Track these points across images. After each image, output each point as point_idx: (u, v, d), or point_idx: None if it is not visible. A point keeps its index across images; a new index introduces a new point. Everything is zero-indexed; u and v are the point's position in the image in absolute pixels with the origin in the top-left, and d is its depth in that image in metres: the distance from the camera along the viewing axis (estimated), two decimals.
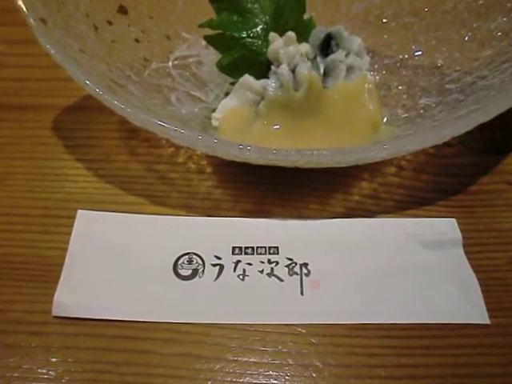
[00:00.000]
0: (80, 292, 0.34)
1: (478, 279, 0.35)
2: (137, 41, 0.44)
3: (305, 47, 0.39)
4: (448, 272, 0.35)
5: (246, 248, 0.36)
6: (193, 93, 0.43)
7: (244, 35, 0.40)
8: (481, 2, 0.43)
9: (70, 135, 0.44)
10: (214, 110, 0.41)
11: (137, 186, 0.40)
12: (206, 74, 0.44)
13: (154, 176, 0.41)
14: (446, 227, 0.37)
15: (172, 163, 0.42)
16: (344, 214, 0.38)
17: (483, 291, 0.34)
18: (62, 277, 0.34)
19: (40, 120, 0.44)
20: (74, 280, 0.34)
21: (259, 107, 0.38)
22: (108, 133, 0.44)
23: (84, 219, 0.37)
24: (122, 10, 0.44)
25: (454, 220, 0.37)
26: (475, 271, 0.35)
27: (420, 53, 0.46)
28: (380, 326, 0.33)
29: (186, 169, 0.41)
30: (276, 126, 0.38)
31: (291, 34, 0.39)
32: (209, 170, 0.41)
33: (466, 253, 0.36)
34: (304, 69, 0.37)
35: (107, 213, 0.37)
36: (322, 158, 0.33)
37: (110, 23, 0.42)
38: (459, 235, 0.37)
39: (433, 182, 0.41)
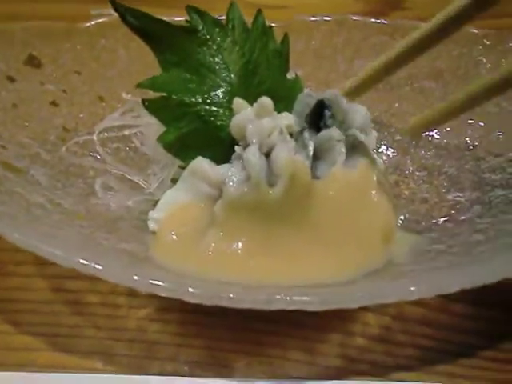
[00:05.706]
0: None
1: None
2: (54, 104, 0.36)
3: (287, 119, 0.31)
4: None
5: None
6: (129, 176, 0.36)
7: (198, 101, 0.32)
8: None
9: None
10: (156, 203, 0.32)
11: None
12: (149, 150, 0.36)
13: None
14: None
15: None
16: (342, 369, 0.28)
17: None
18: None
19: None
20: None
21: (215, 209, 0.29)
22: None
23: None
24: (33, 61, 0.36)
25: None
26: None
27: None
28: None
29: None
30: (238, 242, 0.28)
31: (266, 100, 0.30)
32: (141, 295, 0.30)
33: None
34: (284, 153, 0.28)
35: None
36: (302, 304, 0.24)
37: (11, 79, 0.35)
38: None
39: None
